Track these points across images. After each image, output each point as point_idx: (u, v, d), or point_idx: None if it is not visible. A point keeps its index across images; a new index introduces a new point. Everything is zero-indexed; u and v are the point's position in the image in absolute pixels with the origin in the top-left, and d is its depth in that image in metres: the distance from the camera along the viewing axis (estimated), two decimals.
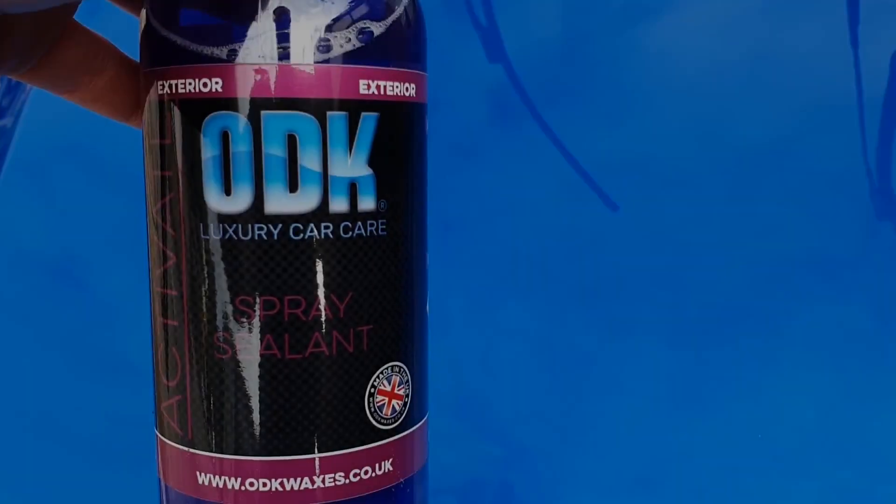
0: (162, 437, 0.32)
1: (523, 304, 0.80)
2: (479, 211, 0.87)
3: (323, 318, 0.29)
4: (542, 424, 0.74)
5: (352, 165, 0.29)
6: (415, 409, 0.33)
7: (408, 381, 0.32)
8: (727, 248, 0.83)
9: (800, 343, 0.74)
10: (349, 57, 0.29)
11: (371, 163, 0.30)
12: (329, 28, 0.28)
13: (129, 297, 0.79)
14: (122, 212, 0.88)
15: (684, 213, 0.86)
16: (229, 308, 0.29)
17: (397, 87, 0.31)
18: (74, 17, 0.31)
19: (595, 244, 0.84)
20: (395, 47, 0.31)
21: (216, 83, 0.28)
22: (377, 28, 0.30)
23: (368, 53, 0.29)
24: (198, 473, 0.30)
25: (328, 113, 0.29)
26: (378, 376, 0.31)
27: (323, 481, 0.30)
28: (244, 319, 0.29)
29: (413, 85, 0.32)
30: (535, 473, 0.71)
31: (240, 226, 0.29)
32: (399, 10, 0.30)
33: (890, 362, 0.73)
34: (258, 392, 0.29)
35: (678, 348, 0.76)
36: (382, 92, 0.30)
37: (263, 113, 0.28)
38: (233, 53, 0.28)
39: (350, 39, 0.29)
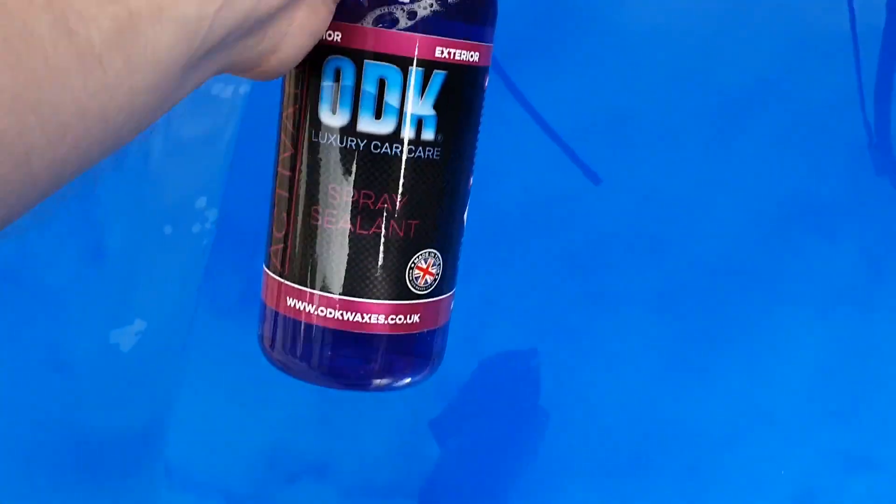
0: (267, 270, 0.46)
1: (503, 278, 0.86)
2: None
3: (385, 210, 0.43)
4: (528, 404, 0.81)
5: (421, 106, 0.42)
6: (443, 285, 0.47)
7: (439, 264, 0.46)
8: (715, 204, 0.87)
9: (791, 299, 0.82)
10: (430, 26, 0.41)
11: (435, 106, 0.42)
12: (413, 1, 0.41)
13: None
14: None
15: (667, 169, 0.90)
16: (323, 191, 0.43)
17: (463, 54, 0.43)
18: None
19: (574, 210, 0.88)
20: (465, 22, 0.42)
21: (337, 35, 0.41)
22: (450, 5, 0.42)
23: (444, 25, 0.41)
24: (287, 298, 0.45)
25: (410, 67, 0.41)
26: (418, 257, 0.44)
27: (369, 318, 0.44)
28: (332, 201, 0.43)
29: (477, 53, 0.44)
30: (523, 453, 0.79)
31: (338, 136, 0.42)
32: None
33: (881, 315, 0.79)
34: (335, 251, 0.43)
35: (667, 312, 0.82)
36: (452, 57, 0.42)
37: (365, 61, 0.41)
38: (352, 18, 0.41)
39: (429, 9, 0.41)
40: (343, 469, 0.79)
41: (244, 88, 0.90)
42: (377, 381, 0.46)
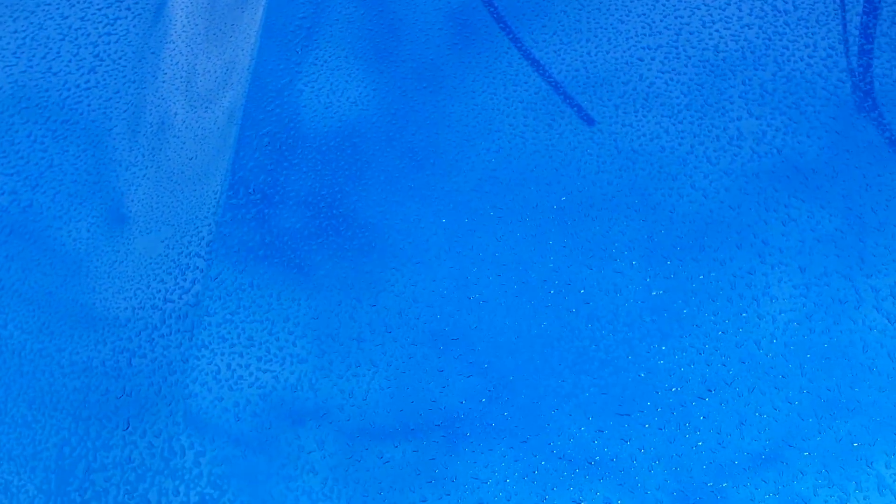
0: None
1: (500, 233, 0.90)
2: (450, 141, 0.96)
3: None
4: (524, 354, 0.85)
5: None
6: None
7: None
8: (702, 161, 0.91)
9: (778, 256, 0.85)
10: None
11: None
12: None
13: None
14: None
15: (657, 128, 0.93)
16: None
17: None
18: None
19: (570, 166, 0.92)
20: None
21: None
22: None
23: None
24: None
25: None
26: None
27: None
28: None
29: None
30: (518, 404, 0.82)
31: None
32: None
33: (867, 270, 0.83)
34: None
35: (657, 267, 0.86)
36: None
37: None
38: None
39: None
40: (346, 412, 0.84)
41: None
42: None
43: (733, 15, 1.01)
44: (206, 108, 1.06)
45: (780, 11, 1.00)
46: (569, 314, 0.85)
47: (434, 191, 0.94)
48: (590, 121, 0.94)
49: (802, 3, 1.01)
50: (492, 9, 1.04)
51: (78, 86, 1.12)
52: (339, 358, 0.86)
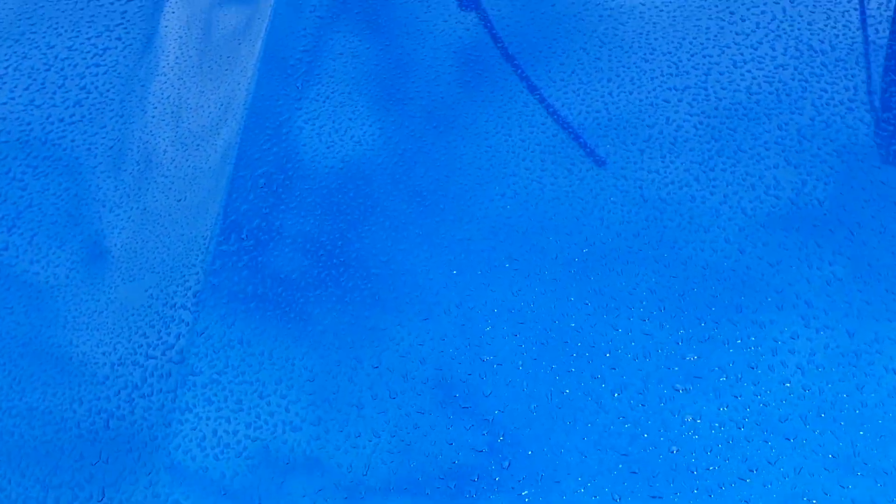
0: None
1: (516, 287, 0.83)
2: (458, 182, 0.89)
3: None
4: (543, 425, 0.77)
5: None
6: None
7: None
8: (737, 212, 0.85)
9: (824, 319, 0.78)
10: None
11: None
12: None
13: None
14: None
15: (686, 176, 0.87)
16: None
17: None
18: None
19: (592, 215, 0.86)
20: None
21: None
22: None
23: None
24: None
25: None
26: None
27: None
28: None
29: None
30: (537, 483, 0.74)
31: None
32: None
33: (873, 317, 0.76)
34: None
35: (690, 329, 0.79)
36: None
37: None
38: None
39: None
40: (343, 488, 0.76)
41: None
42: None
43: (766, 55, 0.94)
44: (198, 145, 0.99)
45: (816, 52, 0.94)
46: (593, 380, 0.77)
47: (444, 239, 0.87)
48: (613, 167, 0.87)
49: (840, 42, 0.94)
50: (506, 45, 0.98)
51: (62, 120, 1.05)
52: (336, 426, 0.78)
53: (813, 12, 0.96)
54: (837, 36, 0.95)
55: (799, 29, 0.95)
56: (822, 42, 0.95)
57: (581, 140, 0.90)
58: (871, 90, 0.90)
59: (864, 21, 0.93)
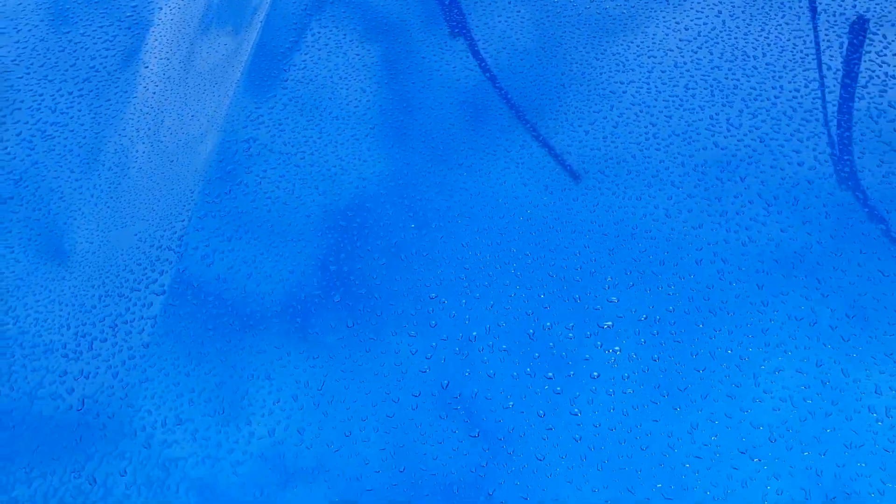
0: None
1: (503, 302, 0.80)
2: (459, 213, 0.87)
3: None
4: (524, 420, 0.74)
5: None
6: None
7: None
8: (702, 244, 0.81)
9: (773, 341, 0.74)
10: None
11: None
12: None
13: None
14: None
15: (659, 210, 0.84)
16: None
17: None
18: None
19: (575, 242, 0.83)
20: None
21: None
22: None
23: None
24: None
25: None
26: None
27: None
28: None
29: None
30: (517, 469, 0.72)
31: None
32: None
33: (863, 358, 0.72)
34: None
35: (655, 345, 0.75)
36: None
37: None
38: None
39: None
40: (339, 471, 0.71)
41: None
42: None
43: (730, 115, 0.93)
44: (172, 163, 0.96)
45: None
46: (568, 385, 0.73)
47: (437, 253, 0.83)
48: (612, 203, 0.85)
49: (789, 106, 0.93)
50: (505, 92, 0.96)
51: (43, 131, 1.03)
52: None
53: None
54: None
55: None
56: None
57: (580, 180, 0.88)
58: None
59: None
